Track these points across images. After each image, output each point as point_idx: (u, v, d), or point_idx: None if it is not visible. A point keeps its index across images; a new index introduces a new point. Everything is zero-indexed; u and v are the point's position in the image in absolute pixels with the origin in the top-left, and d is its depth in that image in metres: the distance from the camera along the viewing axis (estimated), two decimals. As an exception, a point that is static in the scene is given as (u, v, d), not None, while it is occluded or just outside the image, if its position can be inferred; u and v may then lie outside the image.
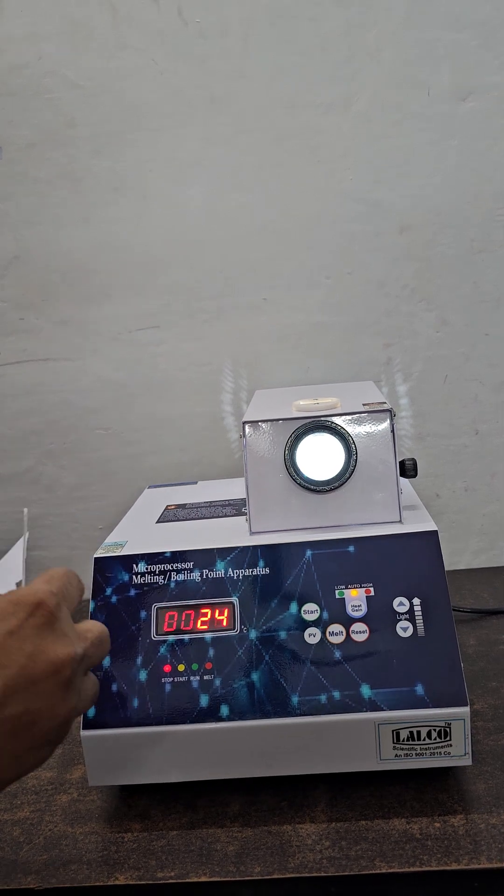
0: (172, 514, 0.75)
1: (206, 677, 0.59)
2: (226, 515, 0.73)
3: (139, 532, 0.70)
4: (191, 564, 0.63)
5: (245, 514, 0.68)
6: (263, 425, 0.66)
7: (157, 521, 0.73)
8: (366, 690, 0.57)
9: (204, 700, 0.58)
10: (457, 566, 1.01)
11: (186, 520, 0.73)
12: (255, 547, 0.63)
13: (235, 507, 0.74)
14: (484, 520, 1.00)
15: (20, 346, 0.99)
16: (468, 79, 0.88)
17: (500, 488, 0.99)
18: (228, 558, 0.63)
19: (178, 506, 0.78)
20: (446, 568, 0.61)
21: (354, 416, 0.65)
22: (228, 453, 1.00)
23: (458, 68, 0.88)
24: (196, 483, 0.89)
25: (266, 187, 0.92)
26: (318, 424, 0.65)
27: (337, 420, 0.65)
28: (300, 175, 0.92)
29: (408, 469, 0.67)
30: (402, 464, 0.67)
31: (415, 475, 0.68)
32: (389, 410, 0.65)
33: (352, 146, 0.90)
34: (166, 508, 0.77)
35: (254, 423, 0.66)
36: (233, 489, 0.82)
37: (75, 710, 0.42)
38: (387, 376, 0.96)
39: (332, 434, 0.65)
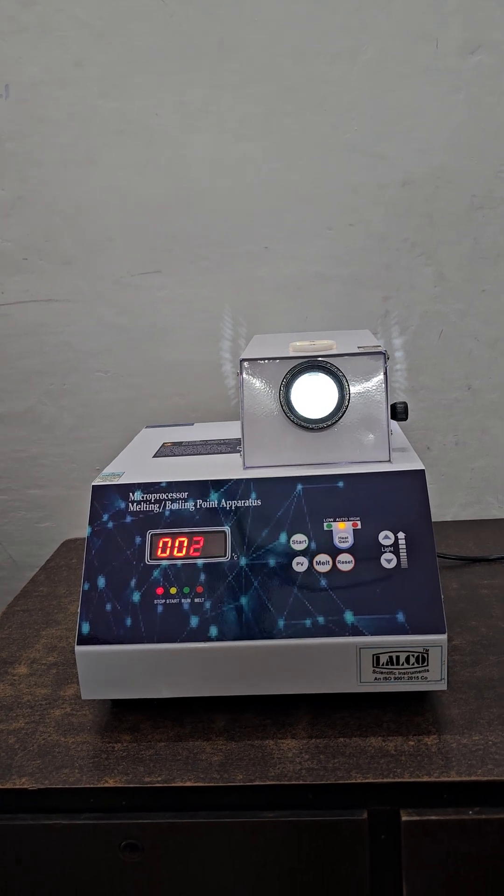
0: (169, 450, 0.77)
1: (196, 600, 0.61)
2: (220, 452, 0.75)
3: (136, 464, 0.73)
4: (185, 494, 0.65)
5: (239, 452, 0.70)
6: (260, 363, 0.67)
7: (154, 456, 0.76)
8: (349, 616, 0.59)
9: (194, 621, 0.61)
10: (444, 518, 1.04)
11: (182, 455, 0.75)
12: (248, 479, 0.65)
13: (230, 446, 0.76)
14: (472, 474, 1.02)
15: (23, 287, 1.00)
16: (477, 32, 0.88)
17: (489, 443, 1.01)
18: (222, 489, 0.65)
19: (175, 443, 0.80)
20: (434, 519, 0.63)
21: (349, 357, 0.67)
22: (226, 399, 1.01)
23: (467, 22, 0.88)
24: (192, 425, 0.91)
25: (271, 137, 0.93)
26: (314, 364, 0.67)
27: (332, 360, 0.67)
28: (306, 126, 0.92)
29: (398, 412, 0.69)
30: (393, 406, 0.69)
31: (405, 418, 0.70)
32: (383, 353, 0.67)
33: (358, 98, 0.91)
34: (163, 445, 0.79)
35: (251, 360, 0.67)
36: (228, 431, 0.84)
37: None
38: (383, 329, 0.98)
39: (326, 374, 0.66)
